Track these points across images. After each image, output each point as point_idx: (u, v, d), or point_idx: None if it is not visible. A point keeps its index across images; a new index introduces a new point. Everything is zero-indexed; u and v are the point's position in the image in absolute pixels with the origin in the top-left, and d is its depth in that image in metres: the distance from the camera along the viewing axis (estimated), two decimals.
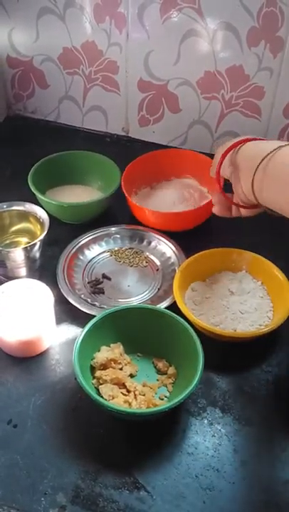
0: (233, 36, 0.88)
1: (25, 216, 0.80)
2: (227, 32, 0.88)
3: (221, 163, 0.64)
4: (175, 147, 1.04)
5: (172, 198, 0.89)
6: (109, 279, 0.80)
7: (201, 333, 0.66)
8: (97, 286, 0.78)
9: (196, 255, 0.76)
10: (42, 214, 0.78)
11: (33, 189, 0.84)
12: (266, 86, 0.93)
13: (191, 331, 0.64)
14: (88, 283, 0.79)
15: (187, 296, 0.74)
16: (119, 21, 0.93)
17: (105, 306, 0.74)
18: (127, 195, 0.84)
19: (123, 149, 1.05)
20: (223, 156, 0.63)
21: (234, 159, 0.62)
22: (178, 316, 0.66)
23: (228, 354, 0.70)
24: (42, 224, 0.78)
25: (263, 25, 0.86)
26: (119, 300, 0.77)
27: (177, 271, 0.74)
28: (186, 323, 0.65)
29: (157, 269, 0.81)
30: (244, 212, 0.66)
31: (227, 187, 0.66)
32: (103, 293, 0.78)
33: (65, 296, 0.74)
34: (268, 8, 0.84)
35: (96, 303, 0.75)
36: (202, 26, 0.89)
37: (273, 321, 0.71)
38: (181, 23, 0.90)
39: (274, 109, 0.95)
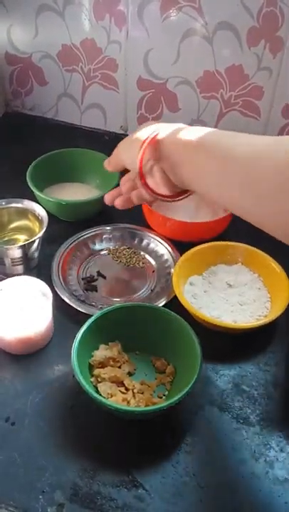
0: (233, 36, 0.88)
1: (23, 213, 0.79)
2: (227, 31, 0.88)
3: (142, 159, 0.58)
4: None
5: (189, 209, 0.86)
6: (104, 277, 0.80)
7: (201, 328, 0.66)
8: (90, 284, 0.78)
9: (192, 249, 0.76)
10: (40, 211, 0.78)
11: (31, 186, 0.84)
12: (265, 86, 0.93)
13: (190, 329, 0.64)
14: (82, 279, 0.79)
15: (186, 291, 0.74)
16: (119, 19, 0.93)
17: (94, 303, 0.74)
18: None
19: None
20: (143, 154, 0.58)
21: (157, 152, 0.58)
22: (177, 315, 0.66)
23: (226, 353, 0.70)
24: (40, 221, 0.77)
25: (262, 25, 0.86)
26: (112, 299, 0.76)
27: (176, 265, 0.75)
28: (184, 322, 0.65)
29: (153, 271, 0.81)
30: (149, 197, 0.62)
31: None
32: (96, 290, 0.78)
33: (58, 291, 0.74)
34: (268, 8, 0.84)
35: (87, 300, 0.75)
36: (202, 25, 0.89)
37: (272, 311, 0.71)
38: (181, 21, 0.90)
39: (273, 109, 0.95)
